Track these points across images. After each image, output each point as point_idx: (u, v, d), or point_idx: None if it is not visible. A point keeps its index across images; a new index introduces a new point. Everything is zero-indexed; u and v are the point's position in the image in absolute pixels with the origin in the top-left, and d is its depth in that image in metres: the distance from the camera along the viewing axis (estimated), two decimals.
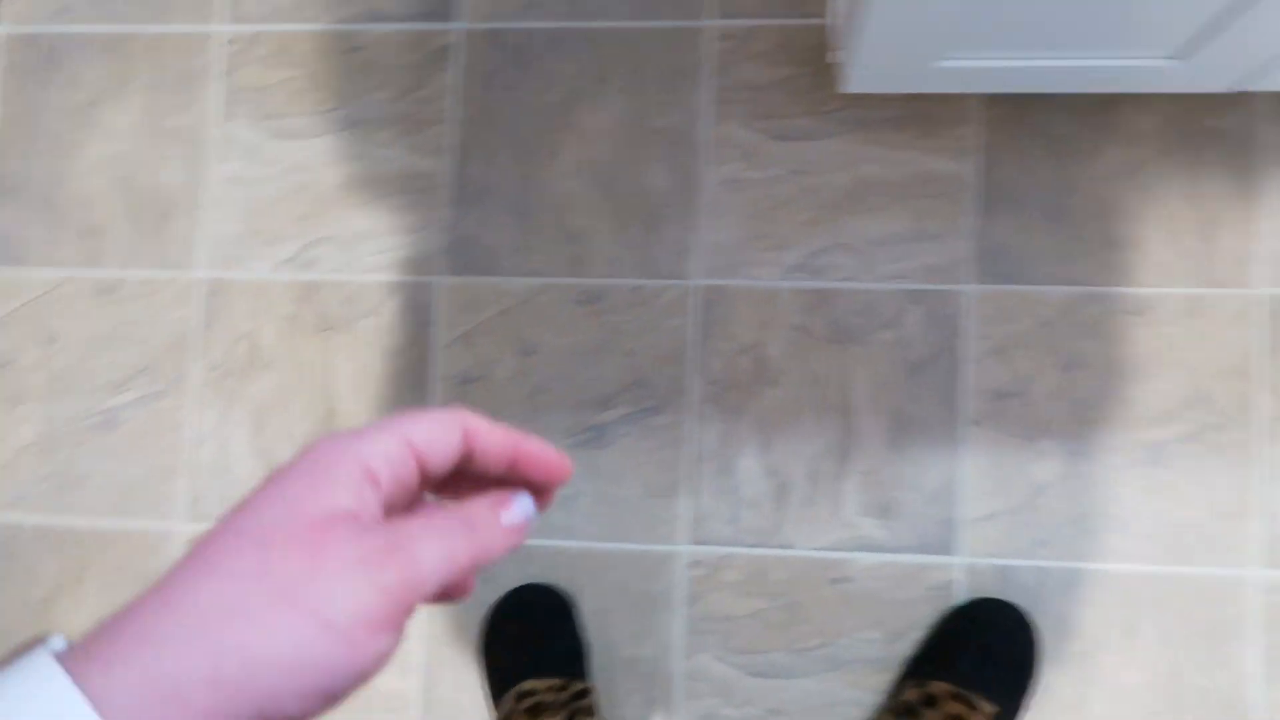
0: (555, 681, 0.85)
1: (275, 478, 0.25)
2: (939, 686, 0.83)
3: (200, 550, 0.23)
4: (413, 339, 0.97)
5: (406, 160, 0.99)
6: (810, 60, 0.96)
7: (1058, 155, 0.92)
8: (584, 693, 0.86)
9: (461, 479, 0.29)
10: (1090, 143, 0.92)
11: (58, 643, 0.23)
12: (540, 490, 0.30)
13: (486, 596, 0.92)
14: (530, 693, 0.84)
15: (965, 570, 0.89)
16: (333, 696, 0.22)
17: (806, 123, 0.95)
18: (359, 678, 0.22)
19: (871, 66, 0.80)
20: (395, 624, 0.23)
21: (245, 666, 0.21)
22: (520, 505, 0.28)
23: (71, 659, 0.21)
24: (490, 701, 0.89)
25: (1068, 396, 0.90)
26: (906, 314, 0.92)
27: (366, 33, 1.01)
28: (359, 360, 0.97)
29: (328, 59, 1.01)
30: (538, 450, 0.30)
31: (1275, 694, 0.87)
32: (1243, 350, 0.89)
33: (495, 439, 0.29)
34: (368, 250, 0.98)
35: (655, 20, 0.98)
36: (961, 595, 0.89)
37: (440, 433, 0.27)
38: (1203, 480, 0.89)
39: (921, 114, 0.94)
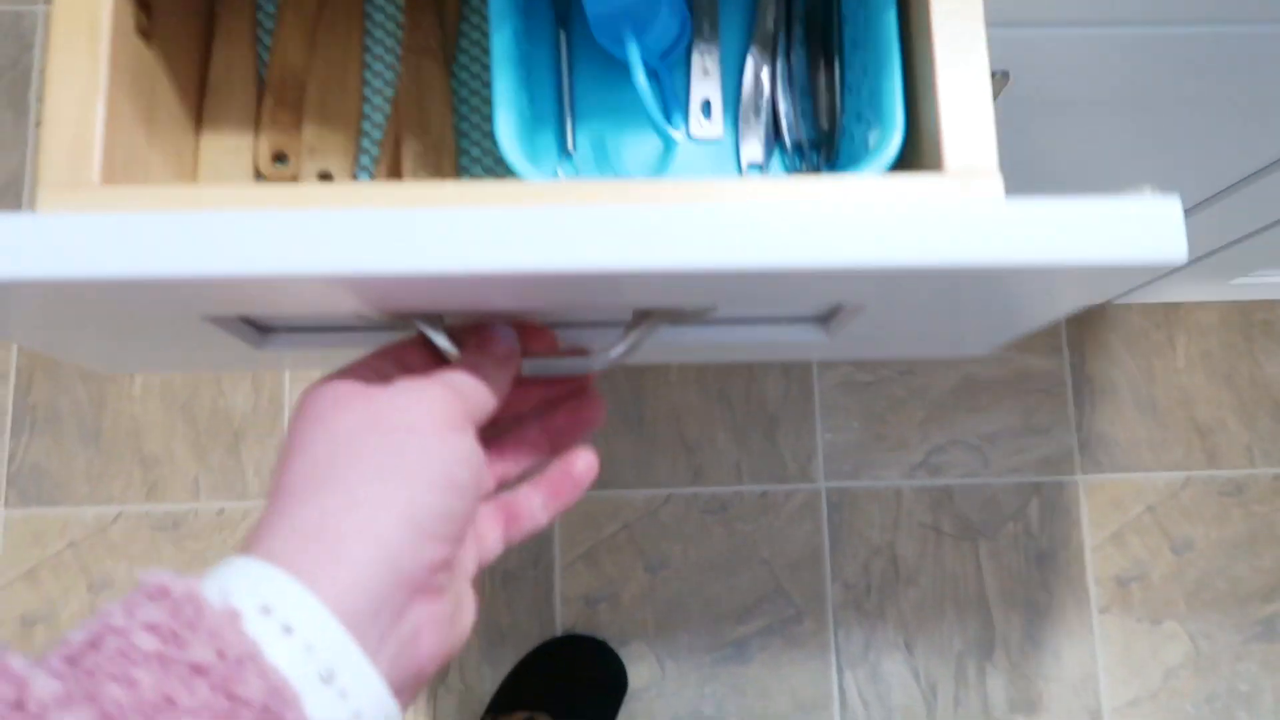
0: None
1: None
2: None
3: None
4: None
5: None
6: None
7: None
8: None
9: None
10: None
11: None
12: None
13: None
14: None
15: None
16: (455, 482, 0.27)
17: None
18: (464, 463, 0.28)
19: None
20: (459, 424, 0.29)
21: (365, 486, 0.26)
22: (505, 336, 0.33)
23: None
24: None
25: (654, 598, 0.92)
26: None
27: None
28: None
29: None
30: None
31: None
32: (813, 542, 0.93)
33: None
34: None
35: None
36: None
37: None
38: (783, 673, 0.90)
39: None
